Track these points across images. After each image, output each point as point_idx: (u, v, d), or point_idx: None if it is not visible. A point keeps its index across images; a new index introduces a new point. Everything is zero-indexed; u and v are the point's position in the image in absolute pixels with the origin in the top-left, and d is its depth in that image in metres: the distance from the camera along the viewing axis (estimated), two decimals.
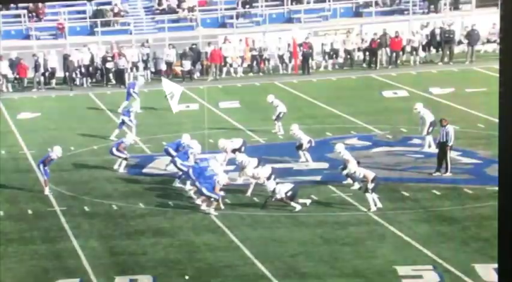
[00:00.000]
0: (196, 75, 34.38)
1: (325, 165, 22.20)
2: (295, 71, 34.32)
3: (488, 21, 36.32)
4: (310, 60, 34.35)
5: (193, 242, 17.58)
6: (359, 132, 25.16)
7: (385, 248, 16.89)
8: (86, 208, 19.87)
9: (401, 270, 15.77)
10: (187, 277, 15.63)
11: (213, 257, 16.71)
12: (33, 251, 17.42)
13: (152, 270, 16.25)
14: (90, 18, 38.09)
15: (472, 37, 34.93)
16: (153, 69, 34.77)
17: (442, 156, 21.11)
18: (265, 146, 24.41)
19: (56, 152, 21.16)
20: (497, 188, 20.07)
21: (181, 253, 17.01)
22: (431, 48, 35.57)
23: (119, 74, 32.95)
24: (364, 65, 35.02)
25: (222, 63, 34.49)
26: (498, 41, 35.13)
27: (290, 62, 34.64)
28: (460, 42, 35.71)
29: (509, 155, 6.23)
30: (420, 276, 15.52)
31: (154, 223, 18.74)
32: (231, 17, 38.39)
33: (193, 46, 34.67)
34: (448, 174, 20.96)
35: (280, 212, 19.02)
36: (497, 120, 23.57)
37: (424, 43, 35.32)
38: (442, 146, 21.08)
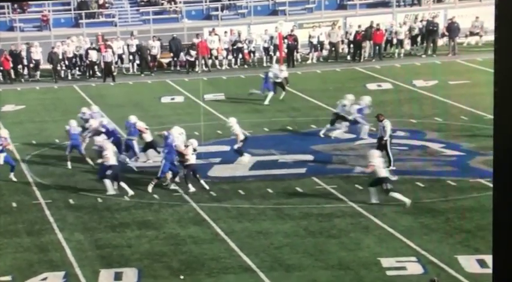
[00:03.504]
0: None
1: (309, 157, 22.20)
2: (280, 64, 34.31)
3: (471, 14, 36.44)
4: (295, 53, 34.36)
5: (178, 234, 17.57)
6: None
7: (369, 240, 16.92)
8: (71, 201, 19.80)
9: (386, 262, 15.78)
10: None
11: (198, 250, 16.70)
12: (18, 244, 17.34)
13: (137, 262, 16.22)
14: (74, 10, 37.90)
15: (452, 30, 35.03)
16: (138, 62, 34.64)
17: (381, 150, 20.96)
18: (250, 138, 24.35)
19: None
20: (480, 180, 20.07)
21: (166, 246, 16.99)
22: (417, 41, 35.69)
23: (106, 67, 32.82)
24: (349, 58, 35.06)
25: (208, 55, 34.41)
26: (481, 33, 35.51)
27: (275, 54, 34.62)
28: (443, 35, 35.80)
29: (504, 156, 6.18)
30: (404, 268, 15.55)
31: (139, 216, 18.70)
32: (216, 9, 38.31)
33: (174, 36, 34.60)
34: (392, 167, 20.78)
35: (265, 204, 19.04)
36: (480, 112, 23.46)
37: (413, 35, 35.41)
38: (380, 141, 21.04)
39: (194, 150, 20.18)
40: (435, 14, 36.50)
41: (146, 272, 15.78)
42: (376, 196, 18.73)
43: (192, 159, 20.06)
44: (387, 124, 21.12)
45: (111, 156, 20.02)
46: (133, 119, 22.36)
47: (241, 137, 21.72)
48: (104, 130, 22.21)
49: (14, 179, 21.16)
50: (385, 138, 20.98)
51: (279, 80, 28.24)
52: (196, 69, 33.73)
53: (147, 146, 22.15)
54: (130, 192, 19.78)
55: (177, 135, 20.84)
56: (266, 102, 27.72)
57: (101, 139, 21.19)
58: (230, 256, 16.33)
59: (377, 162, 18.73)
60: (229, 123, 21.90)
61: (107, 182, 19.84)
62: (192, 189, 19.84)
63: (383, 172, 18.76)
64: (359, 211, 18.46)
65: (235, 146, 21.77)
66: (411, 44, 35.77)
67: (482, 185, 19.57)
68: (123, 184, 19.95)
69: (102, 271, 15.93)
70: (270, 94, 27.95)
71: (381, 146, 20.98)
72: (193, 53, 33.64)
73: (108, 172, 19.84)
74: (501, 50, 6.08)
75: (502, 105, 6.12)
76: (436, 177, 20.41)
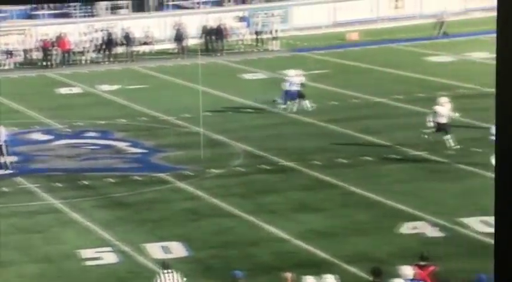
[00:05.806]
0: None
1: (14, 158, 21.71)
2: None
3: (143, 25, 37.56)
4: None
5: None
6: (41, 127, 24.85)
7: (69, 233, 17.04)
8: None
9: (84, 253, 15.90)
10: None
11: None
12: None
13: None
14: None
15: (127, 39, 36.06)
16: None
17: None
18: None
19: None
20: (161, 174, 20.72)
21: None
22: (101, 49, 36.11)
23: None
24: (41, 64, 34.51)
25: None
26: (152, 43, 36.69)
27: None
28: (121, 44, 36.55)
29: (507, 157, 5.81)
30: (101, 258, 15.74)
31: None
32: None
33: None
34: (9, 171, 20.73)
35: None
36: (188, 115, 23.97)
37: (97, 44, 35.73)
38: None
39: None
40: (113, 25, 37.09)
41: None
42: None
43: None
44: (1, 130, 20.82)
45: None
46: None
47: None
48: None
49: None
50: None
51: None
52: None
53: None
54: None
55: None
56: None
57: None
58: None
59: None
60: None
61: None
62: None
63: None
64: (60, 207, 18.56)
65: None
66: (95, 51, 36.07)
67: (163, 179, 20.50)
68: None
69: None
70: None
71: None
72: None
73: None
74: (502, 53, 5.75)
75: (503, 107, 5.74)
76: (125, 173, 20.96)
